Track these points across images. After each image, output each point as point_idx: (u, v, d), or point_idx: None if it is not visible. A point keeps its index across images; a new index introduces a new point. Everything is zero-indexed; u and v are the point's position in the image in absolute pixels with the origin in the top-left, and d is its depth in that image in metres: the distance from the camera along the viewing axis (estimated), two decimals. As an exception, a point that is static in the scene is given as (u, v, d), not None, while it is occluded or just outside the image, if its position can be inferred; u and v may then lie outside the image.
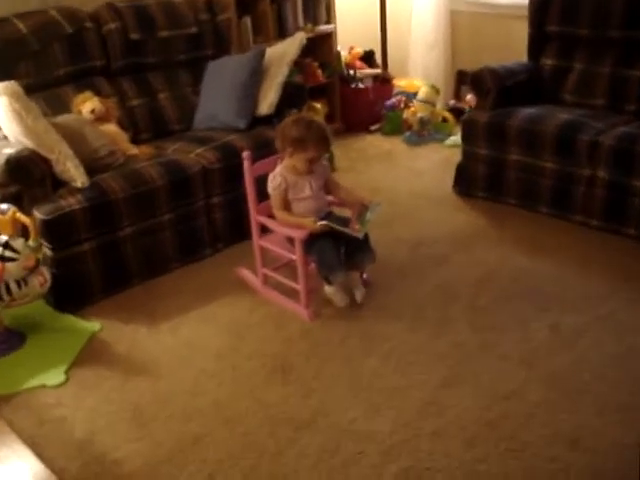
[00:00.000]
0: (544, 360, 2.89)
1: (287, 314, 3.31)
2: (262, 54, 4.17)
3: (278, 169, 3.18)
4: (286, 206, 3.20)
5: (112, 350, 3.14)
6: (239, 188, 3.74)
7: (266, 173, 3.28)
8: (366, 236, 3.23)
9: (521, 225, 4.09)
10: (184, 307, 3.42)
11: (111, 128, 3.77)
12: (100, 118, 3.76)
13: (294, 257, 3.18)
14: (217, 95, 4.16)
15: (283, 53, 4.23)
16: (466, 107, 5.49)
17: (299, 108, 4.39)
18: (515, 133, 4.10)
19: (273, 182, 3.16)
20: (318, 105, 5.43)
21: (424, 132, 5.56)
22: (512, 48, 5.12)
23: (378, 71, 5.98)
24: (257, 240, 3.38)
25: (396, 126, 5.75)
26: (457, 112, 5.73)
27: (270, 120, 4.14)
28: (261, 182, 3.28)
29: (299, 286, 3.24)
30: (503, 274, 3.56)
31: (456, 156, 5.06)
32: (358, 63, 5.88)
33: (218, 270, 3.75)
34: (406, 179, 4.89)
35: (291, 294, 3.35)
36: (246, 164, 3.22)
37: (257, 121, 4.14)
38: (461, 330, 3.13)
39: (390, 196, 4.59)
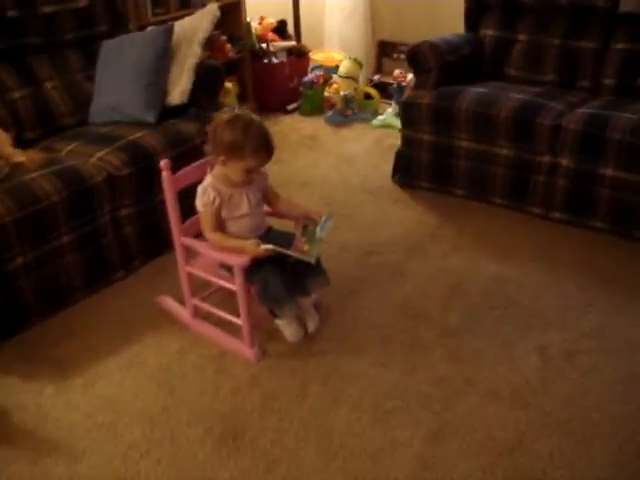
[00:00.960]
0: (541, 397, 2.46)
1: (228, 355, 2.73)
2: (169, 31, 3.50)
3: (208, 180, 2.57)
4: (219, 225, 2.60)
5: (11, 421, 2.47)
6: (152, 195, 3.14)
7: (191, 184, 2.66)
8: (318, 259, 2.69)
9: (476, 220, 3.65)
10: (97, 351, 2.78)
11: (-12, 130, 3.03)
12: (-28, 118, 3.01)
13: (233, 287, 2.59)
14: (117, 82, 3.46)
15: (194, 29, 3.57)
16: (393, 82, 4.98)
17: (215, 94, 3.74)
18: (464, 117, 3.63)
19: (203, 197, 2.54)
20: (229, 84, 4.78)
21: (348, 111, 5.02)
22: (439, 14, 4.64)
23: (292, 43, 5.37)
24: (183, 266, 2.77)
25: (316, 105, 5.18)
26: (381, 88, 5.22)
27: (183, 110, 3.48)
28: (184, 195, 2.67)
29: (240, 321, 2.66)
30: (470, 284, 3.11)
31: (387, 138, 4.63)
32: (270, 35, 5.24)
33: (135, 296, 3.11)
34: (337, 168, 4.35)
35: (228, 326, 2.78)
36: (165, 175, 2.59)
37: (168, 112, 3.46)
38: (438, 361, 2.66)
39: (323, 191, 4.05)
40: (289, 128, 5.03)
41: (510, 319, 2.87)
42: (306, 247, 2.54)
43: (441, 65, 3.84)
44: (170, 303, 2.98)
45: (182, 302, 2.91)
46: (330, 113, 5.04)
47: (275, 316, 2.70)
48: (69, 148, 3.22)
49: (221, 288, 2.76)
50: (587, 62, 3.84)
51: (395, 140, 4.47)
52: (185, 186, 2.68)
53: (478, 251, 3.36)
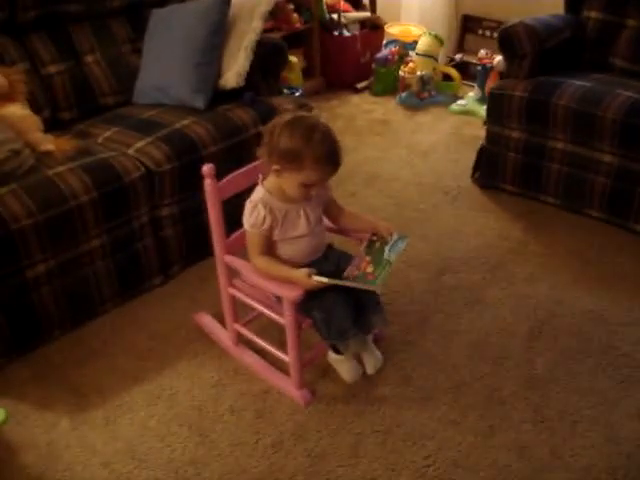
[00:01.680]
0: (647, 482, 1.99)
1: (271, 393, 2.34)
2: (226, 2, 3.04)
3: (259, 193, 2.14)
4: (269, 248, 2.17)
5: (19, 462, 2.13)
6: (196, 192, 2.71)
7: (240, 192, 2.24)
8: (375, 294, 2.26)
9: (569, 236, 3.14)
10: (124, 375, 2.43)
11: (15, 111, 2.66)
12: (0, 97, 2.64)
13: (281, 321, 2.18)
14: (164, 59, 3.05)
15: (254, 1, 3.11)
16: (477, 63, 4.43)
17: (276, 77, 3.29)
18: (563, 115, 3.11)
19: (252, 215, 2.11)
20: (294, 58, 4.32)
21: (425, 93, 4.51)
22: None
23: (367, 14, 4.84)
24: (225, 287, 2.36)
25: (389, 85, 4.68)
26: (463, 68, 4.68)
27: (238, 94, 3.05)
28: (230, 203, 2.25)
29: (288, 358, 2.25)
30: (561, 321, 2.64)
31: (468, 126, 4.12)
32: (342, 5, 4.72)
33: (171, 308, 2.74)
34: (409, 161, 3.86)
35: (274, 354, 2.37)
36: (208, 184, 2.17)
37: (220, 97, 3.04)
38: (520, 421, 2.22)
39: (392, 188, 3.58)
40: (357, 109, 4.54)
41: (607, 370, 2.40)
42: (370, 268, 2.10)
43: (537, 51, 3.31)
44: (210, 322, 2.60)
45: (223, 321, 2.51)
46: (404, 95, 4.53)
47: (336, 352, 2.29)
48: (106, 135, 2.83)
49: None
50: None
51: (477, 130, 4.00)
52: (232, 195, 2.25)
53: (571, 277, 2.87)
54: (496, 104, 3.34)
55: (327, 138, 1.99)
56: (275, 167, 2.02)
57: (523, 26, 3.30)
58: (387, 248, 2.17)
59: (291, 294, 2.06)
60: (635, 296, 2.74)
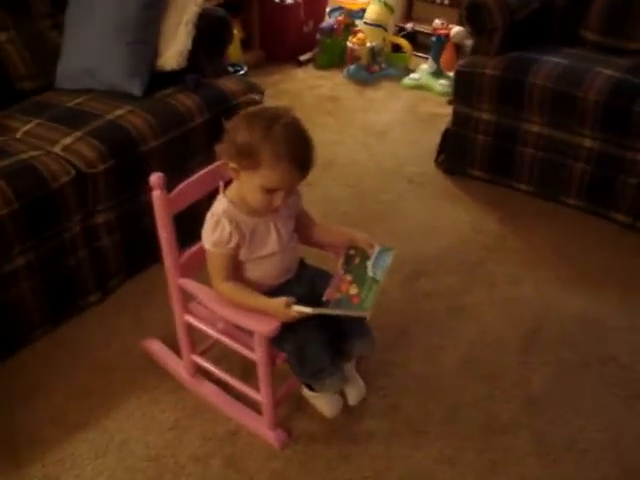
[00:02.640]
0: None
1: (241, 434, 2.02)
2: (162, -31, 2.63)
3: (222, 204, 1.77)
4: (235, 270, 1.82)
5: None
6: (135, 194, 2.36)
7: (193, 204, 1.88)
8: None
9: (547, 227, 2.90)
10: (64, 420, 2.06)
11: None
12: None
13: (252, 356, 1.84)
14: (91, 37, 2.62)
15: (195, -33, 2.70)
16: (431, 34, 4.12)
17: (220, 55, 2.90)
18: (540, 95, 2.85)
19: (214, 233, 1.75)
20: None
21: (375, 66, 4.17)
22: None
23: (309, -21, 4.45)
24: (181, 315, 2.00)
25: (335, 57, 4.32)
26: (413, 38, 4.37)
27: (180, 77, 2.66)
28: (183, 217, 1.87)
29: (261, 396, 1.92)
30: (552, 328, 2.41)
31: (424, 103, 3.83)
32: (283, -31, 4.31)
33: (113, 330, 2.37)
34: (366, 143, 3.54)
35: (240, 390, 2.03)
36: (158, 197, 1.79)
37: (158, 80, 2.64)
38: (524, 454, 1.98)
39: (351, 175, 3.26)
40: (303, 85, 4.17)
41: (609, 384, 2.18)
42: (353, 289, 1.78)
43: (508, 24, 3.01)
44: (160, 350, 2.24)
45: (176, 346, 2.15)
46: (352, 68, 4.18)
47: (311, 389, 1.97)
48: (26, 128, 2.40)
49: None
50: (690, 27, 3.01)
51: (434, 107, 3.72)
52: (186, 207, 1.88)
53: (555, 275, 2.63)
54: (464, 83, 3.05)
55: (291, 132, 1.64)
56: (232, 165, 1.68)
57: (492, -4, 2.99)
58: (369, 264, 1.85)
59: (264, 328, 1.72)
60: (625, 295, 2.53)
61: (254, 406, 2.01)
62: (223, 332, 1.94)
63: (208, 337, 2.06)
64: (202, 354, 2.12)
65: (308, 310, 1.70)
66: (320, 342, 1.81)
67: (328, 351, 1.82)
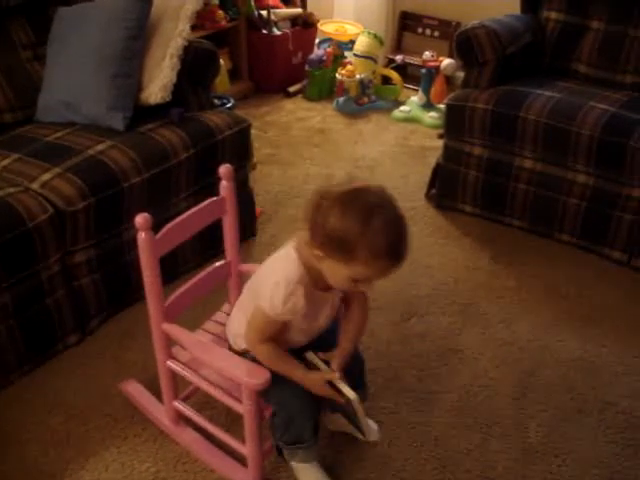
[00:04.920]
0: None
1: (223, 488, 1.90)
2: (147, 1, 2.56)
3: (294, 269, 1.56)
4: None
5: None
6: (116, 231, 2.28)
7: (181, 243, 1.80)
8: (361, 361, 1.86)
9: (541, 264, 2.84)
10: (38, 474, 1.95)
11: None
12: None
13: (239, 409, 1.74)
14: (73, 69, 2.55)
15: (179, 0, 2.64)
16: (421, 66, 4.08)
17: (206, 88, 2.83)
18: (533, 130, 2.79)
19: (287, 304, 1.55)
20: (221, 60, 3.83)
21: (364, 98, 4.12)
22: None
23: (298, 11, 4.40)
24: (163, 362, 1.90)
25: (324, 88, 4.27)
26: (402, 70, 4.33)
27: (164, 111, 2.59)
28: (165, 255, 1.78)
29: (246, 449, 1.82)
30: (548, 372, 2.33)
31: (414, 136, 3.78)
32: (272, 0, 4.26)
33: (91, 374, 2.27)
34: (355, 178, 3.45)
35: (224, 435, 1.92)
36: (143, 239, 1.70)
37: (142, 114, 2.57)
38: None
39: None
40: (291, 117, 4.11)
41: (608, 433, 2.10)
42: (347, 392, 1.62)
43: (500, 57, 2.97)
44: (141, 395, 2.14)
45: (157, 390, 2.05)
46: (342, 100, 4.13)
47: (280, 453, 1.86)
48: (3, 164, 2.32)
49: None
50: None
51: (423, 140, 3.67)
52: (172, 249, 1.80)
53: (551, 315, 2.55)
54: (455, 117, 2.99)
55: (392, 224, 1.44)
56: (317, 252, 1.48)
57: (484, 29, 2.95)
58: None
59: (252, 382, 1.63)
60: (622, 337, 2.45)
61: (239, 457, 1.91)
62: (209, 380, 1.84)
63: (195, 384, 1.97)
64: (185, 399, 2.02)
65: (350, 394, 1.58)
66: (309, 413, 1.72)
67: (314, 423, 1.75)
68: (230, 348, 1.81)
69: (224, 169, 1.87)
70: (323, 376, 1.60)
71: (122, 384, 2.18)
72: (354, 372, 1.78)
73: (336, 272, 1.48)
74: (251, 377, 1.62)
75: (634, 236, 2.73)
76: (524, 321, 2.52)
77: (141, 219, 1.67)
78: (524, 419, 2.13)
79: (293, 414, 1.70)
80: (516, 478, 1.95)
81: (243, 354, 1.74)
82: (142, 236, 1.69)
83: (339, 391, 1.61)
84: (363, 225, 1.40)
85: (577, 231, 2.86)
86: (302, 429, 1.71)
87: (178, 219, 1.79)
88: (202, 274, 1.93)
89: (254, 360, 1.68)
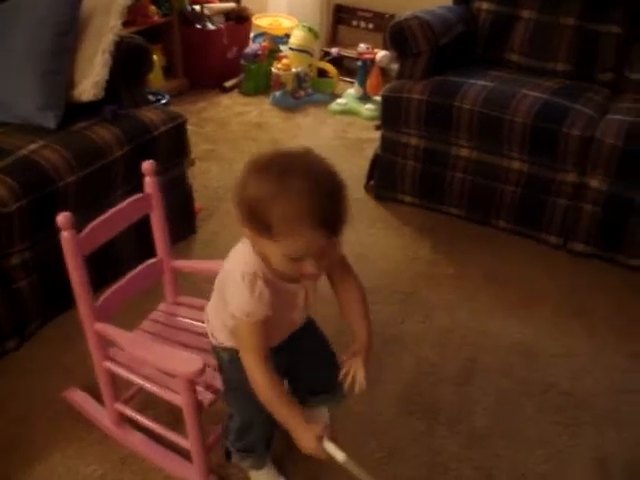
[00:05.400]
0: None
1: (170, 485, 1.88)
2: (77, -4, 2.51)
3: (251, 260, 1.40)
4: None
5: None
6: (53, 231, 2.20)
7: (107, 241, 1.76)
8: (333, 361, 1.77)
9: (480, 252, 2.89)
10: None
11: None
12: None
13: (177, 401, 1.72)
14: (4, 67, 2.48)
15: (110, -6, 2.59)
16: (356, 58, 4.10)
17: (139, 84, 2.79)
18: (467, 119, 2.84)
19: (252, 298, 1.38)
20: (154, 56, 3.78)
21: (301, 92, 4.12)
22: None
23: (232, 5, 4.37)
24: (100, 362, 1.87)
25: (260, 83, 4.25)
26: (338, 63, 4.34)
27: (97, 108, 2.54)
28: (99, 255, 1.77)
29: (189, 444, 1.80)
30: (489, 357, 2.38)
31: (351, 128, 3.80)
32: (205, -6, 4.23)
33: (32, 379, 2.21)
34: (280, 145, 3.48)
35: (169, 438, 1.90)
36: (66, 238, 1.66)
37: (74, 112, 2.51)
38: None
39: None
40: (228, 112, 4.08)
41: (550, 413, 2.15)
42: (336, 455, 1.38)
43: (433, 48, 3.00)
44: (83, 400, 2.10)
45: (100, 394, 2.01)
46: (278, 94, 4.12)
47: (228, 457, 1.84)
48: None
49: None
50: (608, 50, 3.07)
51: (361, 132, 3.69)
52: (99, 246, 1.76)
53: (491, 301, 2.60)
54: (391, 108, 3.01)
55: (312, 182, 1.23)
56: (246, 232, 1.33)
57: (417, 21, 2.98)
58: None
59: (186, 371, 1.61)
60: (560, 320, 2.52)
61: (185, 454, 1.89)
62: (148, 377, 1.82)
63: (133, 383, 1.94)
64: (127, 402, 1.99)
65: (341, 456, 1.35)
66: (269, 427, 1.68)
67: (269, 436, 1.74)
68: (213, 347, 1.70)
69: (147, 165, 1.83)
70: (314, 433, 1.37)
71: (65, 392, 2.13)
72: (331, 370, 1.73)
73: (271, 252, 1.31)
74: (184, 367, 1.60)
75: (569, 220, 2.79)
76: (464, 308, 2.55)
77: (63, 218, 1.63)
78: (468, 404, 2.16)
79: (252, 424, 1.67)
80: (463, 462, 1.97)
81: (225, 350, 1.63)
82: (65, 235, 1.65)
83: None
84: (277, 187, 1.22)
85: (514, 217, 2.91)
86: (257, 441, 1.71)
87: (102, 217, 1.75)
88: (134, 272, 1.90)
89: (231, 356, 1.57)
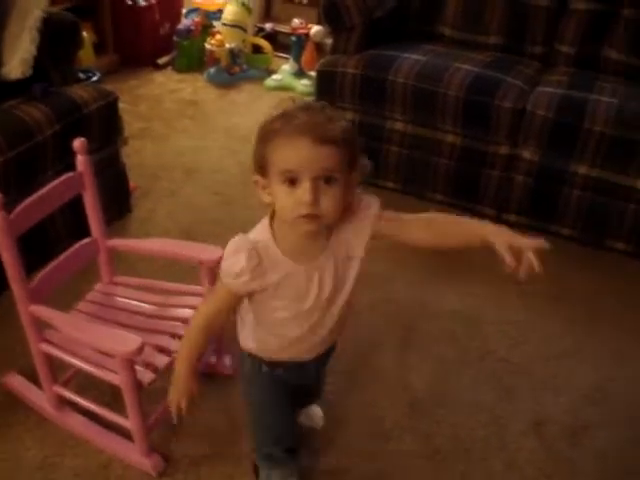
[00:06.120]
0: None
1: (114, 467, 1.88)
2: (-1, -30, 2.43)
3: (259, 233, 1.40)
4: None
5: None
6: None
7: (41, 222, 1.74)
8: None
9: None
10: None
11: None
12: None
13: (116, 381, 1.71)
14: None
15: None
16: (291, 34, 4.08)
17: (69, 61, 2.72)
18: (401, 93, 2.86)
19: (227, 262, 1.37)
20: (83, 32, 3.68)
21: (235, 68, 4.08)
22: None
23: (163, -20, 4.29)
24: (36, 345, 1.83)
25: (194, 59, 4.20)
26: (273, 39, 4.31)
27: (26, 86, 2.47)
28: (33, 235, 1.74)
29: (130, 423, 1.80)
30: (427, 325, 2.44)
31: (287, 103, 3.71)
32: (134, -31, 4.13)
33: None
34: (230, 148, 3.45)
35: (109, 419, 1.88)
36: (-5, 218, 1.62)
37: (3, 90, 2.44)
38: (413, 457, 1.95)
39: (217, 182, 3.17)
40: (162, 89, 4.02)
41: (489, 379, 2.21)
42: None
43: (366, 22, 3.01)
44: (21, 385, 2.06)
45: (38, 378, 1.98)
46: (213, 70, 4.08)
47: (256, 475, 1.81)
48: None
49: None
50: (539, 23, 3.12)
51: (298, 109, 3.64)
52: (31, 227, 1.73)
53: (427, 272, 2.64)
54: (326, 83, 3.03)
55: (302, 107, 1.30)
56: (254, 177, 1.34)
57: (350, -4, 2.97)
58: None
59: (124, 349, 1.60)
60: (497, 289, 2.57)
61: (127, 434, 1.88)
62: (86, 358, 1.79)
63: (71, 365, 1.91)
64: (66, 384, 1.96)
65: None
66: (283, 429, 1.71)
67: (287, 443, 1.72)
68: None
69: (78, 143, 1.80)
70: (188, 387, 1.49)
71: (1, 378, 2.09)
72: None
73: (273, 190, 1.29)
74: (122, 346, 1.59)
75: (502, 192, 2.85)
76: (401, 279, 2.60)
77: (-7, 198, 1.60)
78: (408, 373, 2.20)
79: (265, 425, 1.70)
80: (404, 431, 2.01)
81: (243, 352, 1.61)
82: (-6, 217, 1.61)
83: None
84: (284, 116, 1.27)
85: (449, 190, 2.96)
86: (273, 443, 1.71)
87: (33, 197, 1.71)
88: (68, 253, 1.87)
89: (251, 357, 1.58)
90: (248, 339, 1.54)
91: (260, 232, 1.38)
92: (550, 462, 1.94)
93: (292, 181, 1.25)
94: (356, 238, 1.42)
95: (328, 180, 1.25)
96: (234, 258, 1.34)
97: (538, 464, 1.93)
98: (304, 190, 1.24)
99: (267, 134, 1.27)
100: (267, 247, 1.36)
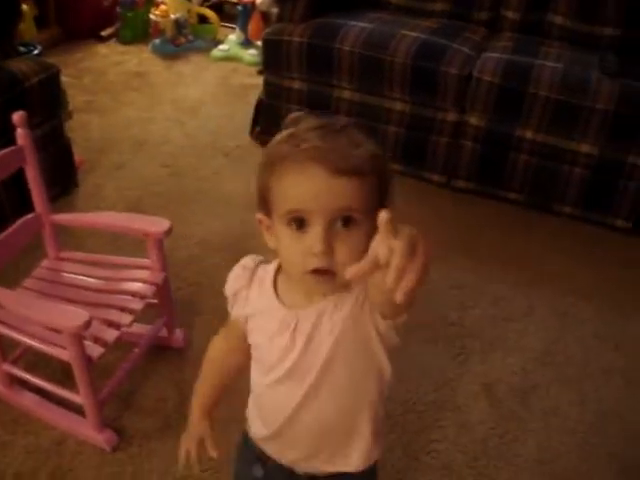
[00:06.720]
0: (505, 469, 1.84)
1: (67, 444, 1.87)
2: None
3: (269, 263, 1.08)
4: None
5: None
6: None
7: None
8: None
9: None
10: None
11: None
12: None
13: (65, 357, 1.70)
14: None
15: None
16: (237, 3, 4.04)
17: (9, 35, 2.65)
18: (348, 61, 2.86)
19: (229, 278, 1.10)
20: (23, 6, 3.58)
21: (181, 39, 4.02)
22: None
23: (102, -52, 4.18)
24: (-19, 321, 1.81)
25: (139, 30, 4.13)
26: (219, 9, 4.25)
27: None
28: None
29: (81, 398, 1.78)
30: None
31: (235, 74, 3.77)
32: (72, -63, 4.02)
33: None
34: (178, 120, 3.41)
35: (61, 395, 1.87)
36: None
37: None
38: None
39: (165, 154, 3.14)
40: (106, 62, 3.95)
41: (440, 342, 2.24)
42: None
43: (312, -10, 2.98)
44: (-32, 364, 2.02)
45: (-13, 358, 1.95)
46: (158, 41, 4.01)
47: None
48: None
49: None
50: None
51: (245, 78, 3.66)
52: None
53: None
54: (272, 52, 3.00)
55: (321, 128, 0.95)
56: (257, 215, 1.02)
57: (294, -38, 2.94)
58: None
59: (71, 324, 1.59)
60: (447, 255, 2.60)
61: (79, 410, 1.86)
62: (34, 335, 1.77)
63: (20, 342, 1.88)
64: (15, 362, 1.94)
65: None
66: None
67: None
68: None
69: (17, 116, 1.76)
70: (200, 433, 1.24)
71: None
72: None
73: (278, 235, 0.97)
74: (69, 321, 1.58)
75: (451, 159, 2.87)
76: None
77: None
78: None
79: None
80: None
81: None
82: None
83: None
84: (290, 136, 0.95)
85: (399, 157, 2.96)
86: None
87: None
88: (11, 229, 1.84)
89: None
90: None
91: (270, 263, 1.09)
92: (502, 421, 1.98)
93: (300, 223, 0.93)
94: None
95: (347, 222, 0.92)
96: (232, 274, 1.11)
97: (490, 424, 1.97)
98: (314, 236, 0.92)
99: (271, 160, 0.96)
100: (266, 276, 1.07)
